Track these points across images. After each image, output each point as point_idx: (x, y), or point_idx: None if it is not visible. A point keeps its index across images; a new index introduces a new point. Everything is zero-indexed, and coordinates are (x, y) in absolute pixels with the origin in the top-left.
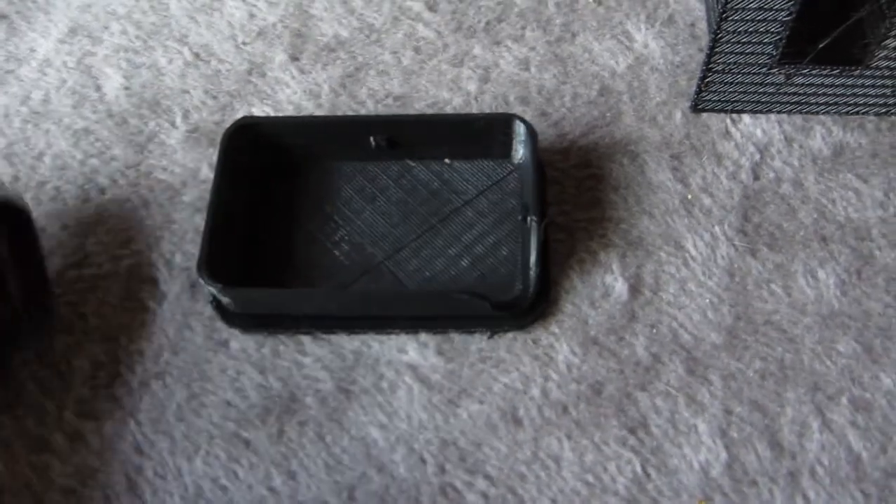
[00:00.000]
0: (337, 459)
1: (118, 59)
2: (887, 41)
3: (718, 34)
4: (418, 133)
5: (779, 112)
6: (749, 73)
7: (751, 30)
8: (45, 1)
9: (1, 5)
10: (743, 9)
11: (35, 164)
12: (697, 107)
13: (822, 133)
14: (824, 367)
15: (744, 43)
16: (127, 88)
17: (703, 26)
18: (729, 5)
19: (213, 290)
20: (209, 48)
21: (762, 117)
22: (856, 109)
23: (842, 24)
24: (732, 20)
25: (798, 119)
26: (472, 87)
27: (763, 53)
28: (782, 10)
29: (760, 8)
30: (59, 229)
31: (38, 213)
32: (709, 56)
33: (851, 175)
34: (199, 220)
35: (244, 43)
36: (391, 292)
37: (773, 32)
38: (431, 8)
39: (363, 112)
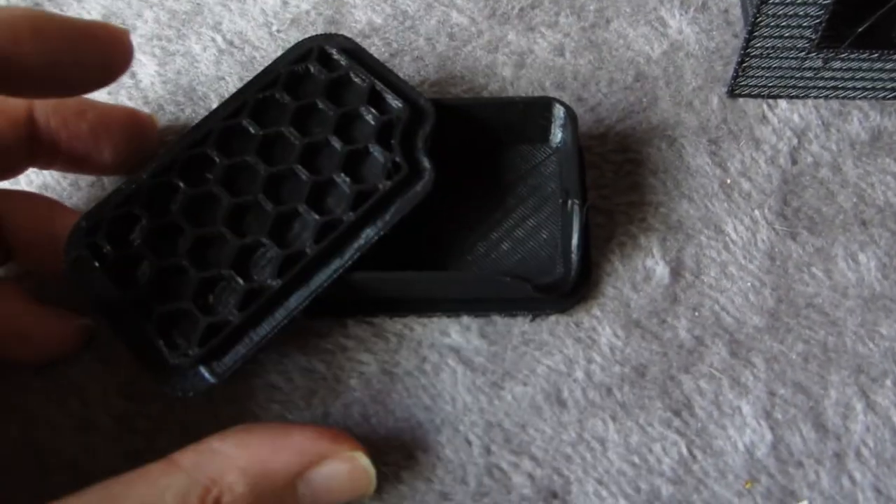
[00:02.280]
0: (384, 440)
1: (152, 47)
2: None
3: (758, 17)
4: (453, 116)
5: (816, 97)
6: (787, 57)
7: (791, 13)
8: None
9: None
10: None
11: None
12: (734, 92)
13: (860, 118)
14: (867, 350)
15: (783, 27)
16: (161, 75)
17: (736, 12)
18: None
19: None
20: (243, 35)
21: (799, 102)
22: (893, 94)
23: (882, 8)
24: (772, 3)
25: (835, 104)
26: (507, 72)
27: (802, 37)
28: None
29: None
30: None
31: (79, 196)
32: (747, 41)
33: (890, 159)
34: None
35: (278, 30)
36: (433, 276)
37: (812, 16)
38: None
39: None
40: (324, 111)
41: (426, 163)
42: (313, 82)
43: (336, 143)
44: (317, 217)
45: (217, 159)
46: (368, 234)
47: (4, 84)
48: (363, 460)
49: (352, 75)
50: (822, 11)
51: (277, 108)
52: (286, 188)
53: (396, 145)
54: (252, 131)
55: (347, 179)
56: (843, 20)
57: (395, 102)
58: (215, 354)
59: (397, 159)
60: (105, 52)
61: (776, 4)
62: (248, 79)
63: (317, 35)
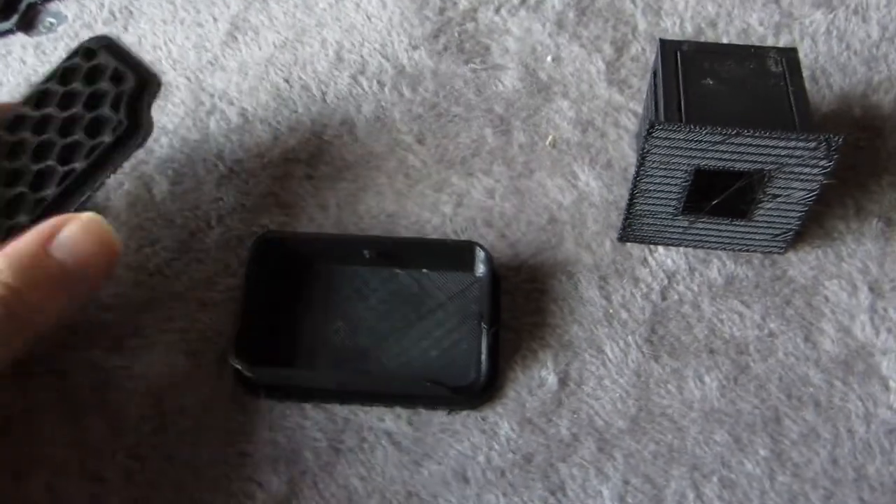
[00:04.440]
0: (326, 501)
1: (165, 168)
2: (763, 204)
3: (634, 192)
4: (402, 249)
5: (686, 246)
6: (660, 217)
7: (657, 190)
8: None
9: None
10: (651, 175)
11: None
12: (623, 238)
13: (719, 265)
14: (702, 452)
15: (654, 199)
16: (172, 193)
17: (634, 170)
18: (640, 174)
19: (238, 366)
20: (241, 164)
21: (673, 249)
22: (745, 247)
23: (729, 188)
24: (645, 181)
25: (701, 253)
26: (448, 209)
27: (668, 206)
28: (679, 178)
29: (664, 176)
30: (118, 306)
31: (105, 292)
32: (629, 205)
33: (737, 301)
34: (229, 306)
35: (269, 161)
36: (375, 375)
37: (674, 194)
38: (420, 141)
39: (362, 225)
40: (80, 91)
41: (150, 119)
42: (78, 71)
43: (83, 112)
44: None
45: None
46: (100, 176)
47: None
48: (97, 218)
49: (103, 62)
50: (680, 192)
51: (51, 95)
52: (47, 151)
53: (123, 108)
54: (32, 114)
55: (86, 137)
56: (706, 192)
57: (130, 76)
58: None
59: (122, 118)
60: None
61: (647, 183)
62: (242, 200)
63: (89, 38)
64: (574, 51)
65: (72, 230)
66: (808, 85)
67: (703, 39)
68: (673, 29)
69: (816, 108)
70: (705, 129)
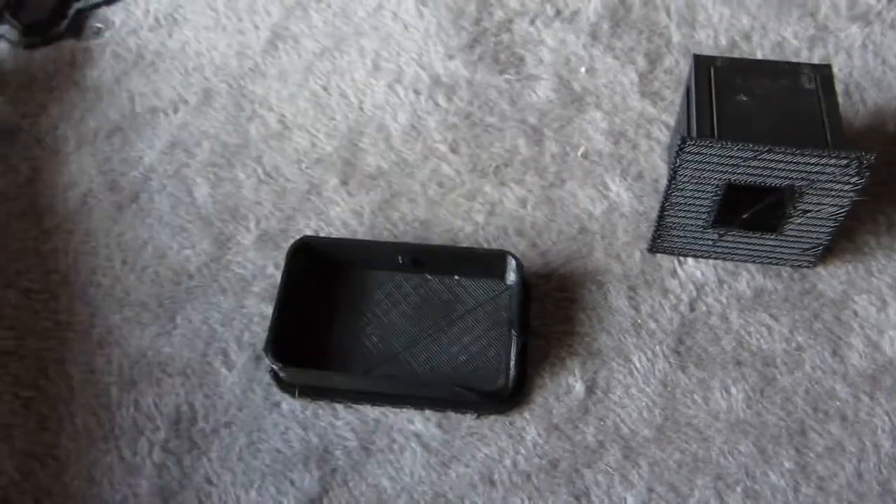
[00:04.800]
0: (356, 500)
1: (207, 172)
2: (793, 218)
3: (665, 205)
4: (435, 257)
5: (716, 258)
6: (690, 230)
7: (689, 204)
8: (151, 117)
9: (116, 118)
10: (682, 189)
11: (139, 251)
12: (652, 249)
13: (748, 278)
14: (727, 462)
15: (685, 212)
16: (213, 196)
17: (664, 182)
18: (671, 187)
19: (274, 366)
20: (279, 169)
21: (702, 261)
22: (775, 261)
23: (759, 203)
24: (676, 195)
25: (731, 265)
26: (480, 218)
27: (699, 219)
28: (710, 192)
29: (695, 190)
30: (156, 306)
31: (138, 292)
32: (659, 218)
33: (766, 314)
34: (264, 307)
35: (306, 167)
36: (405, 378)
37: (705, 207)
38: (454, 150)
39: (395, 231)
40: None
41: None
42: None
43: None
44: None
45: None
46: None
47: None
48: None
49: None
50: (710, 205)
51: None
52: None
53: None
54: None
55: None
56: (736, 206)
57: None
58: None
59: None
60: None
61: (679, 195)
62: (280, 205)
63: None
64: (608, 62)
65: None
66: (841, 99)
67: (737, 52)
68: (707, 42)
69: (850, 123)
70: (737, 145)
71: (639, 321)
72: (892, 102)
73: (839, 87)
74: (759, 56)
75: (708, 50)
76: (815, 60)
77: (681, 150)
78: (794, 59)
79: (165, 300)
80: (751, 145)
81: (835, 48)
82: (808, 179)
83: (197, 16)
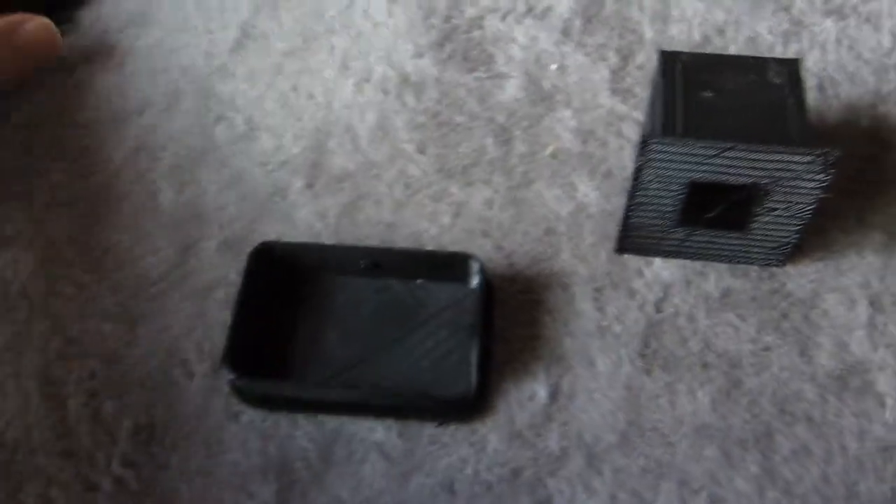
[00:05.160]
0: None
1: (172, 177)
2: (759, 217)
3: (630, 205)
4: (397, 260)
5: (683, 258)
6: (656, 229)
7: (652, 203)
8: (117, 121)
9: (82, 121)
10: (646, 188)
11: (101, 258)
12: (619, 250)
13: (715, 278)
14: (692, 467)
15: (649, 211)
16: (177, 202)
17: None
18: (635, 186)
19: (230, 376)
20: (244, 172)
21: (670, 262)
22: (743, 260)
23: (726, 201)
24: (640, 194)
25: (698, 265)
26: (446, 220)
27: (664, 218)
28: (675, 191)
29: (660, 189)
30: (118, 315)
31: (102, 301)
32: (624, 217)
33: (733, 314)
34: (226, 316)
35: (272, 170)
36: (365, 387)
37: (669, 207)
38: (421, 150)
39: (361, 234)
40: None
41: None
42: None
43: None
44: None
45: None
46: None
47: None
48: (47, 20)
49: None
50: (676, 204)
51: None
52: None
53: None
54: None
55: None
56: (704, 204)
57: None
58: None
59: None
60: None
61: (642, 198)
62: (244, 208)
63: None
64: (579, 59)
65: (33, 25)
66: (815, 94)
67: (710, 47)
68: (680, 37)
69: (823, 119)
70: (699, 142)
71: (604, 323)
72: (865, 97)
73: (813, 82)
74: (733, 51)
75: (681, 45)
76: (790, 55)
77: (643, 148)
78: (768, 55)
79: (127, 309)
80: (714, 142)
81: (809, 43)
82: (773, 177)
83: (167, 16)
